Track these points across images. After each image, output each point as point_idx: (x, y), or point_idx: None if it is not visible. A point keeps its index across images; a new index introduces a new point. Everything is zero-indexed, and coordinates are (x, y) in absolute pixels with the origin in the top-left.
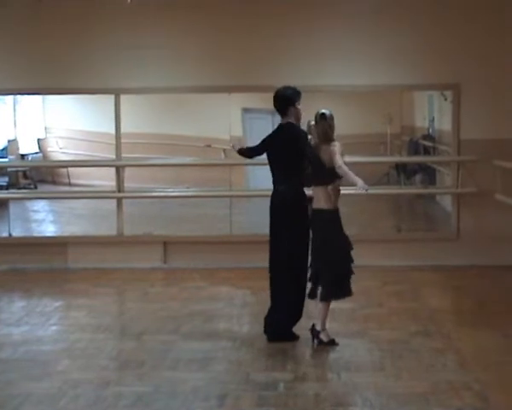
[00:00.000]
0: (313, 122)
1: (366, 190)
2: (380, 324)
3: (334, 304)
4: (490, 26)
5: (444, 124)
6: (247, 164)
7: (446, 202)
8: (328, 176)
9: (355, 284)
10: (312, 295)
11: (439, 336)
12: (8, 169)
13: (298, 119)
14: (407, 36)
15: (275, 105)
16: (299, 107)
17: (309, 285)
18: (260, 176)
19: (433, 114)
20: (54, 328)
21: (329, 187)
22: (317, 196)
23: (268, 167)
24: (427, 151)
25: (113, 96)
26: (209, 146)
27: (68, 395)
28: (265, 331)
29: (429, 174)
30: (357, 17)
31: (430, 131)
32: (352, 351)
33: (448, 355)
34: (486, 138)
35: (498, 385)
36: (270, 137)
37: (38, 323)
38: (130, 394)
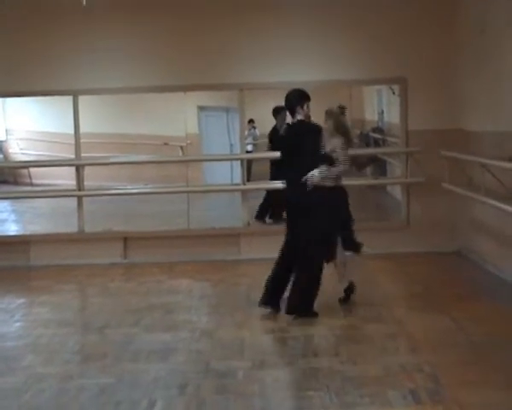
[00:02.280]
0: None
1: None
2: (334, 311)
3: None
4: (435, 22)
5: (392, 116)
6: (202, 160)
7: (396, 192)
8: None
9: None
10: None
11: (391, 322)
12: None
13: (307, 118)
14: (356, 32)
15: (285, 105)
16: (305, 108)
17: None
18: (216, 172)
19: (382, 107)
20: (17, 324)
21: None
22: None
23: (223, 163)
24: (377, 143)
25: (71, 98)
26: (166, 144)
27: (33, 389)
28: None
29: (380, 165)
30: (307, 15)
31: (380, 123)
32: (309, 338)
33: (400, 339)
34: (433, 129)
35: (448, 366)
36: (281, 137)
37: (2, 320)
38: (94, 386)
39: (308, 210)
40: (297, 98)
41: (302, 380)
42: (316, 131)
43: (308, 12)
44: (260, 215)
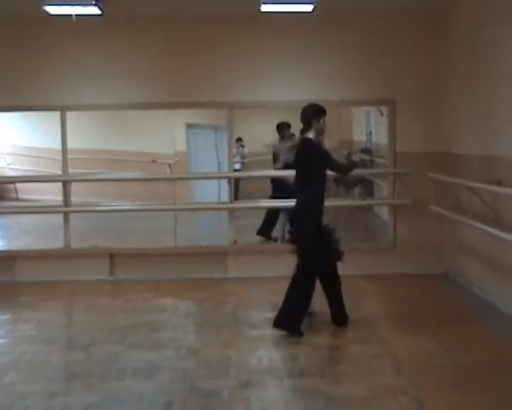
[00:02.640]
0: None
1: None
2: (320, 331)
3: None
4: (425, 45)
5: (381, 138)
6: (190, 178)
7: (384, 213)
8: None
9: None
10: None
11: (376, 343)
12: None
13: (320, 133)
14: (345, 53)
15: (302, 118)
16: (321, 122)
17: None
18: (204, 190)
19: (370, 128)
20: (1, 341)
21: None
22: None
23: (211, 181)
24: (365, 164)
25: (59, 113)
26: (154, 161)
27: (16, 406)
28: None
29: (367, 186)
30: (297, 36)
31: (368, 144)
32: (294, 358)
33: (385, 361)
34: (421, 151)
35: (433, 388)
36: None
37: None
38: (78, 404)
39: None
40: (314, 112)
41: (287, 400)
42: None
43: (298, 32)
44: (263, 231)
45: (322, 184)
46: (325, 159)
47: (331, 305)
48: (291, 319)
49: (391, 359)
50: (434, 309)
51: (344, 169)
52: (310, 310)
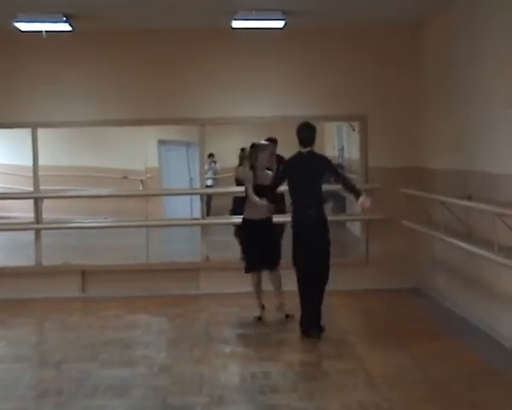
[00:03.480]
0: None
1: None
2: (292, 347)
3: (249, 329)
4: (398, 62)
5: (352, 153)
6: (162, 194)
7: (356, 229)
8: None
9: (268, 308)
10: None
11: (349, 358)
12: None
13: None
14: (316, 69)
15: (309, 135)
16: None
17: None
18: (176, 206)
19: (342, 143)
20: None
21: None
22: None
23: (183, 197)
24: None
25: (30, 130)
26: (126, 177)
27: None
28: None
29: (340, 202)
30: (269, 52)
31: (340, 160)
32: (266, 374)
33: (358, 376)
34: (393, 166)
35: (406, 403)
36: (292, 163)
37: None
38: None
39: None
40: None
41: None
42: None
43: (269, 49)
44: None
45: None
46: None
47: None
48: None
49: (364, 374)
50: (407, 324)
51: None
52: (290, 313)
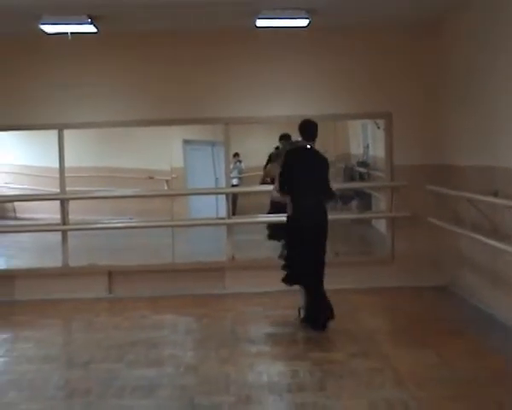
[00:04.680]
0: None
1: None
2: (320, 346)
3: (275, 328)
4: (420, 58)
5: (378, 151)
6: (187, 194)
7: (381, 226)
8: None
9: (294, 307)
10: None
11: (376, 356)
12: None
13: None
14: (341, 68)
15: (312, 131)
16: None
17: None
18: (202, 205)
19: (367, 141)
20: (1, 360)
21: None
22: None
23: (208, 197)
24: (362, 177)
25: (56, 132)
26: (152, 178)
27: None
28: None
29: (365, 199)
30: (293, 51)
31: (365, 157)
32: (293, 373)
33: (385, 374)
34: (418, 164)
35: (433, 401)
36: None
37: None
38: None
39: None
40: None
41: None
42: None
43: (293, 48)
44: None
45: None
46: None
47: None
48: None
49: (391, 372)
50: (433, 322)
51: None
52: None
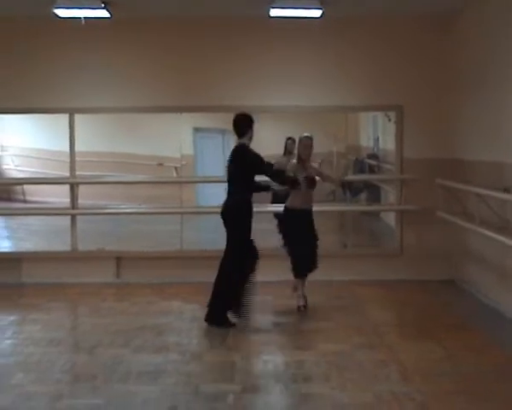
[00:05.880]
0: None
1: None
2: (326, 337)
3: (282, 317)
4: (432, 51)
5: (388, 143)
6: (196, 181)
7: (390, 219)
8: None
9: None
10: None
11: (382, 349)
12: None
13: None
14: (353, 59)
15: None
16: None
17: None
18: (209, 193)
19: (377, 133)
20: (8, 342)
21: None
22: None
23: (216, 185)
24: (372, 170)
25: (67, 116)
26: (161, 164)
27: (22, 408)
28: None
29: (374, 192)
30: (306, 41)
31: (375, 150)
32: (299, 363)
33: (391, 367)
34: (428, 157)
35: (439, 395)
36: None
37: None
38: (83, 406)
39: None
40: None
41: (292, 405)
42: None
43: (306, 38)
44: None
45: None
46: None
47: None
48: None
49: (397, 365)
50: (440, 316)
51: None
52: (300, 304)
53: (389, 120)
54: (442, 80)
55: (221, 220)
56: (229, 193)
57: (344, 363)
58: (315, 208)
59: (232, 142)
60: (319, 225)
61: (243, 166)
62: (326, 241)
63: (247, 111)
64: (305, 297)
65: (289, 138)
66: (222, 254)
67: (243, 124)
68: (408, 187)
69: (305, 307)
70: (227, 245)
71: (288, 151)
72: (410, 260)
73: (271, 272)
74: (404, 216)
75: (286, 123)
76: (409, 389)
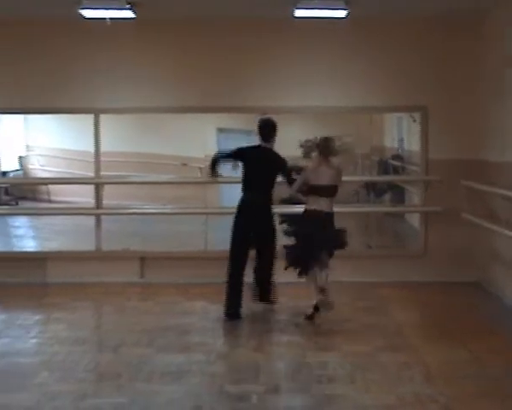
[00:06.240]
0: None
1: None
2: (349, 338)
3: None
4: (459, 52)
5: (412, 144)
6: (220, 182)
7: (414, 220)
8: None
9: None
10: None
11: (406, 351)
12: None
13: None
14: (378, 60)
15: (268, 131)
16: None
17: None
18: (232, 194)
19: (402, 134)
20: (33, 341)
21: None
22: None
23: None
24: (396, 171)
25: (92, 116)
26: (185, 164)
27: (46, 407)
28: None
29: (398, 193)
30: (330, 42)
31: (399, 151)
32: (323, 364)
33: (415, 369)
34: (453, 158)
35: (463, 398)
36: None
37: (18, 335)
38: (107, 405)
39: None
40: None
41: (315, 406)
42: None
43: (331, 38)
44: None
45: None
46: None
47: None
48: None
49: (420, 367)
50: (464, 317)
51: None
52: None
53: (414, 120)
54: (467, 81)
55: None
56: (259, 191)
57: (367, 364)
58: (339, 209)
59: (255, 142)
60: (342, 225)
61: (277, 168)
62: (350, 242)
63: (271, 112)
64: (327, 303)
65: (308, 141)
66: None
67: (273, 128)
68: (432, 188)
69: (311, 317)
70: (267, 237)
71: (306, 153)
72: (434, 262)
73: (295, 274)
74: (428, 217)
75: (310, 124)
76: (432, 391)
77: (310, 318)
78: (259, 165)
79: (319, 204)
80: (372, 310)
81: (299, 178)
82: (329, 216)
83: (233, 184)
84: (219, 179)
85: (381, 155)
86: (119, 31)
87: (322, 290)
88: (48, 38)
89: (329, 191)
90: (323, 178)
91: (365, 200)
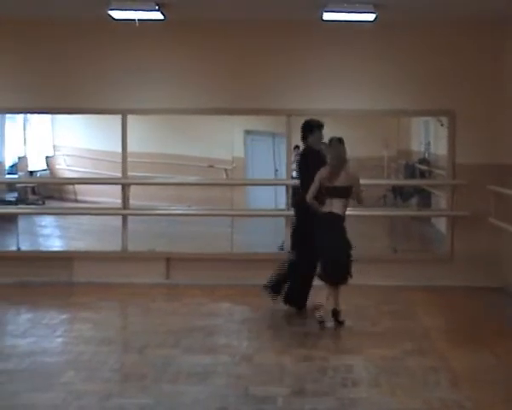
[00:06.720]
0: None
1: None
2: (375, 342)
3: (332, 321)
4: (484, 55)
5: (439, 148)
6: (247, 184)
7: (441, 225)
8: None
9: (350, 302)
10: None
11: (432, 355)
12: (18, 185)
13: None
14: (405, 64)
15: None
16: None
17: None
18: (259, 196)
19: (429, 138)
20: (59, 340)
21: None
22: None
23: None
24: (422, 175)
25: (119, 117)
26: (212, 166)
27: (72, 406)
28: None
29: (425, 197)
30: (358, 45)
31: (426, 155)
32: (348, 368)
33: (441, 373)
34: (481, 163)
35: (489, 403)
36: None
37: (44, 335)
38: (132, 406)
39: None
40: None
41: None
42: None
43: (358, 41)
44: None
45: None
46: None
47: None
48: None
49: (447, 372)
50: (491, 323)
51: None
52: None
53: (441, 124)
54: (495, 85)
55: (270, 223)
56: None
57: (393, 368)
58: (365, 213)
59: (282, 145)
60: (369, 229)
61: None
62: (376, 246)
63: (298, 114)
64: (336, 312)
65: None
66: (273, 257)
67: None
68: (459, 193)
69: (323, 322)
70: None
71: None
72: (460, 267)
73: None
74: (455, 222)
75: (337, 127)
76: (458, 396)
77: (340, 323)
78: None
79: (332, 206)
80: (398, 314)
81: (312, 185)
82: (339, 218)
83: (258, 187)
84: (247, 181)
85: (408, 159)
86: (148, 32)
87: (334, 314)
88: (76, 39)
89: (343, 193)
90: (337, 179)
91: (392, 204)
